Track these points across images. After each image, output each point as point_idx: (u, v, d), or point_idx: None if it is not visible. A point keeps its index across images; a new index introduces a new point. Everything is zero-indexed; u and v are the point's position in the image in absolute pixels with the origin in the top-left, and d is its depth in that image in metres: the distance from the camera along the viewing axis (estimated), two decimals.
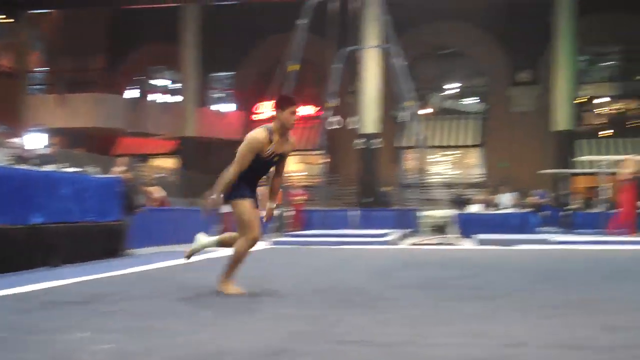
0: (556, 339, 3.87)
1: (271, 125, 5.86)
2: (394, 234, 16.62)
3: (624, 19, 29.45)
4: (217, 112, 35.04)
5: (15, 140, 14.36)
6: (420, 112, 28.44)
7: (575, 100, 27.97)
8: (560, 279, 7.42)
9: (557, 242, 14.57)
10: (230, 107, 35.56)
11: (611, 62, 32.46)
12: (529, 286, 6.65)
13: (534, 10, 27.83)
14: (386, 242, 14.93)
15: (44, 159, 11.94)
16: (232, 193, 5.81)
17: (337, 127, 25.15)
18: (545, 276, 7.64)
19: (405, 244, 15.40)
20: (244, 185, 5.86)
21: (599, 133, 31.21)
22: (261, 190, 6.42)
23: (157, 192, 16.86)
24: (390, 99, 26.75)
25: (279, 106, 5.84)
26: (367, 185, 27.19)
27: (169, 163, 32.82)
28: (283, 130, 5.84)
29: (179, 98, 33.55)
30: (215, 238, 6.15)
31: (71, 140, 25.61)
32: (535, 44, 28.94)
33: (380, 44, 25.88)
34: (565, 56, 27.21)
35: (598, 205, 21.95)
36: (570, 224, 20.22)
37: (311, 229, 19.55)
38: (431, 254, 11.84)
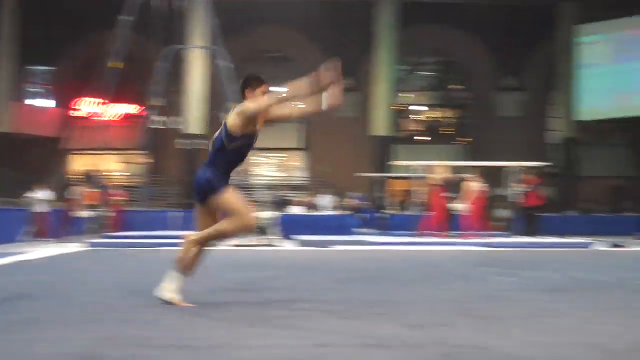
0: (363, 338, 4.02)
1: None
2: None
3: (441, 32, 31.05)
4: (34, 107, 33.42)
5: None
6: None
7: (393, 107, 29.12)
8: (370, 278, 7.72)
9: (372, 243, 15.12)
10: (48, 103, 34.03)
11: (428, 72, 34.14)
12: (341, 286, 6.87)
13: (357, 20, 28.72)
14: None
15: None
16: (217, 185, 5.41)
17: (161, 126, 24.71)
18: (357, 276, 7.91)
19: (227, 246, 15.39)
20: (225, 177, 5.50)
21: (415, 139, 32.75)
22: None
23: None
24: (216, 100, 26.65)
25: (250, 86, 5.53)
26: (190, 186, 26.89)
27: None
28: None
29: None
30: (171, 278, 5.47)
31: None
32: (358, 52, 29.86)
33: (207, 44, 25.75)
34: (385, 65, 28.28)
35: (412, 208, 22.98)
36: (386, 226, 21.01)
37: (131, 230, 19.09)
38: (252, 255, 11.93)
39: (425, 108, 34.23)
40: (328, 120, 31.40)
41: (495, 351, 3.70)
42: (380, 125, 28.14)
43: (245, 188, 25.97)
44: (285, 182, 31.72)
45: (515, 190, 19.15)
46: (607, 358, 3.55)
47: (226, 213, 5.45)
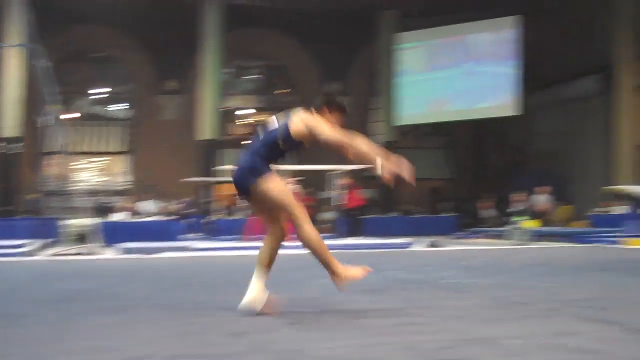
0: (184, 346, 3.99)
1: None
2: (32, 244, 15.83)
3: (267, 36, 31.32)
4: None
5: None
6: (65, 116, 27.45)
7: (219, 110, 29.03)
8: (192, 285, 7.66)
9: (197, 248, 15.00)
10: None
11: (254, 76, 34.33)
12: (162, 294, 6.77)
13: (183, 21, 28.36)
14: (22, 254, 14.17)
15: None
16: (262, 171, 5.22)
17: None
18: (180, 283, 7.83)
19: (45, 255, 14.75)
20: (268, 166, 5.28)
21: (242, 143, 32.80)
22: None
23: None
24: (33, 102, 25.43)
25: (331, 106, 5.44)
26: (6, 193, 25.53)
27: None
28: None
29: None
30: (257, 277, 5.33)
31: None
32: (183, 54, 29.53)
33: (22, 42, 24.50)
34: (210, 68, 28.13)
35: (238, 213, 23.02)
36: (213, 231, 20.91)
37: None
38: (70, 265, 11.49)
39: (252, 112, 34.39)
40: (153, 123, 30.87)
41: (312, 355, 3.77)
42: (206, 128, 27.96)
43: (67, 194, 24.99)
44: (107, 188, 30.80)
45: (336, 193, 19.67)
46: (419, 357, 3.71)
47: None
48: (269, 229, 5.45)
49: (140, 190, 27.04)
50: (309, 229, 5.20)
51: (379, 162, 5.14)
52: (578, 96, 28.29)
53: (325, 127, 5.29)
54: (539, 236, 18.87)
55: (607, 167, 25.73)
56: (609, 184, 22.88)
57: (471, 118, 29.54)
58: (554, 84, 29.12)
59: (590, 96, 27.70)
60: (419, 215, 27.30)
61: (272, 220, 5.40)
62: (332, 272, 5.29)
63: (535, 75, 28.21)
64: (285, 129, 5.35)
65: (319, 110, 5.45)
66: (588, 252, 13.91)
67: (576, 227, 22.40)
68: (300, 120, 5.35)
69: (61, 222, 20.22)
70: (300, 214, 5.21)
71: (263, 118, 33.13)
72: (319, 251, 5.22)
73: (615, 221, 19.25)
